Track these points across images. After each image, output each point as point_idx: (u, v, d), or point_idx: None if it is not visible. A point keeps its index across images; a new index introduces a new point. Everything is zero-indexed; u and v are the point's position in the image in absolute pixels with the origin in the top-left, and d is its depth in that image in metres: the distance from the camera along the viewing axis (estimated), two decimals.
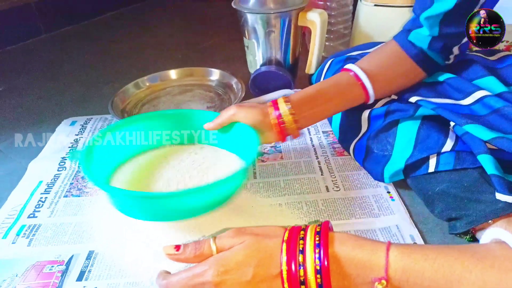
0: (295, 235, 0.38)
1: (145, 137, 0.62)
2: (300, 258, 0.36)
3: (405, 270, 0.35)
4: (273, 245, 0.38)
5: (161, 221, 0.54)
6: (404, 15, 0.60)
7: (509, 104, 0.54)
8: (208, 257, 0.39)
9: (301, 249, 0.37)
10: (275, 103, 0.57)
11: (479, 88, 0.56)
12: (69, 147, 0.76)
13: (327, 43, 1.05)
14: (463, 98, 0.57)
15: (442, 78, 0.60)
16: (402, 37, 0.59)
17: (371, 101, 0.60)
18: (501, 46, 0.92)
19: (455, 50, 0.58)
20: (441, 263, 0.34)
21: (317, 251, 0.36)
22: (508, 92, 0.56)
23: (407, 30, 0.59)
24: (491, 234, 0.37)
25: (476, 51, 0.67)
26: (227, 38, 1.24)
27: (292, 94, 0.59)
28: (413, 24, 0.58)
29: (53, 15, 1.42)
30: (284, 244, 0.37)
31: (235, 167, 0.58)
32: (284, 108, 0.56)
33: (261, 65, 0.87)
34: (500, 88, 0.56)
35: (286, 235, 0.38)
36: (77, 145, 0.76)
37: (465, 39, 0.56)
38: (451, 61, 0.60)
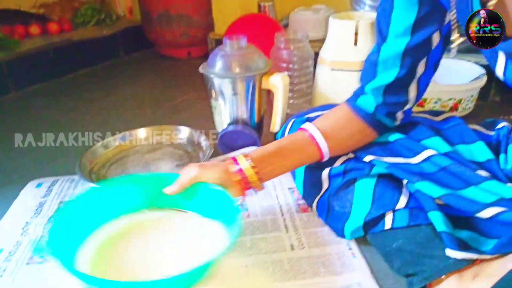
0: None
1: (110, 208, 0.60)
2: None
3: None
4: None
5: None
6: (357, 78, 0.65)
7: (455, 162, 0.59)
8: None
9: None
10: (235, 160, 0.60)
11: (426, 148, 0.62)
12: (34, 210, 0.75)
13: (291, 101, 1.10)
14: (412, 157, 0.62)
15: (392, 138, 0.65)
16: (353, 101, 0.65)
17: (325, 158, 0.64)
18: (450, 103, 1.01)
19: (399, 114, 0.64)
20: None
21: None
22: (453, 152, 0.61)
23: (356, 95, 0.65)
24: None
25: (423, 112, 0.73)
26: (197, 96, 1.28)
27: (252, 151, 0.62)
28: (361, 91, 0.64)
29: (23, 73, 1.43)
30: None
31: (211, 235, 0.57)
32: (245, 163, 0.59)
33: (228, 124, 0.90)
34: (446, 148, 0.62)
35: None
36: (42, 208, 0.75)
37: (407, 106, 0.62)
38: (398, 122, 0.66)
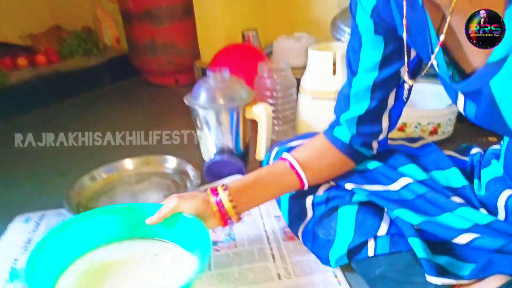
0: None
1: (89, 238, 0.61)
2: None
3: None
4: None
5: None
6: (333, 113, 0.68)
7: (431, 190, 0.61)
8: None
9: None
10: (214, 191, 0.62)
11: (403, 175, 0.64)
12: (22, 246, 0.75)
13: (276, 128, 1.13)
14: (391, 184, 0.64)
15: (371, 166, 0.67)
16: (329, 132, 0.67)
17: (305, 187, 0.66)
18: (429, 128, 1.04)
19: (374, 144, 0.67)
20: None
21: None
22: (429, 179, 0.64)
23: (331, 127, 0.67)
24: None
25: (400, 139, 0.76)
26: (184, 125, 1.30)
27: (231, 182, 0.64)
28: (336, 123, 0.66)
29: (7, 105, 1.43)
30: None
31: (188, 266, 0.57)
32: (223, 195, 0.61)
33: (215, 154, 0.92)
34: (421, 175, 0.64)
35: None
36: (30, 244, 0.76)
37: (381, 136, 0.65)
38: (374, 151, 0.68)
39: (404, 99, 0.62)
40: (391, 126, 0.65)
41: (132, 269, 0.58)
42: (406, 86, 0.57)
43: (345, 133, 0.65)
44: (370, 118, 0.62)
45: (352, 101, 0.62)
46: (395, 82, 0.59)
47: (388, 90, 0.60)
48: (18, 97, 1.47)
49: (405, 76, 0.57)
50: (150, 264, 0.59)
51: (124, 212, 0.64)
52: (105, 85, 1.74)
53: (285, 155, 0.66)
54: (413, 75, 0.58)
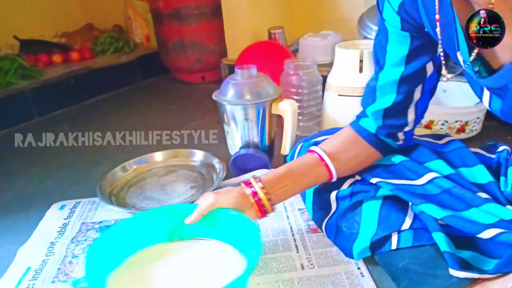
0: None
1: (137, 239, 0.61)
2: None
3: None
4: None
5: None
6: (360, 105, 0.69)
7: (457, 185, 0.61)
8: None
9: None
10: (248, 184, 0.63)
11: (430, 170, 0.64)
12: (57, 231, 0.79)
13: (302, 124, 1.14)
14: (416, 179, 0.65)
15: (396, 160, 0.68)
16: (356, 123, 0.68)
17: (334, 179, 0.67)
18: (456, 125, 1.03)
19: (400, 135, 0.67)
20: None
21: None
22: (455, 174, 0.64)
23: (358, 118, 0.68)
24: None
25: (425, 135, 0.76)
26: (211, 120, 1.33)
27: (263, 174, 0.65)
28: (363, 114, 0.67)
29: (46, 100, 1.50)
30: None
31: (236, 263, 0.57)
32: (257, 186, 0.62)
33: (240, 148, 0.94)
34: (448, 170, 0.64)
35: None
36: (66, 229, 0.80)
37: (407, 128, 0.66)
38: (400, 142, 0.69)
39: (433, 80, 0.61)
40: (417, 119, 0.65)
41: (178, 268, 0.58)
42: (444, 79, 0.57)
43: (371, 124, 0.66)
44: (396, 111, 0.63)
45: (378, 94, 0.63)
46: (421, 76, 0.60)
47: (414, 85, 0.61)
48: (53, 93, 1.53)
49: (442, 70, 0.56)
50: (195, 262, 0.59)
51: (166, 215, 0.63)
52: (136, 82, 1.80)
53: (313, 147, 0.67)
54: (439, 70, 0.59)
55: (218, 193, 0.62)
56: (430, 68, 0.59)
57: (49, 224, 0.82)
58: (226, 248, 0.61)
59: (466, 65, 0.50)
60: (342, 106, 0.96)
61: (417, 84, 0.61)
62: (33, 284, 0.65)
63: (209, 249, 0.61)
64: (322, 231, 0.73)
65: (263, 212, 0.63)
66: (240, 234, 0.59)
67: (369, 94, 0.65)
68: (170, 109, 1.52)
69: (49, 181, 1.02)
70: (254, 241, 0.55)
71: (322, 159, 0.65)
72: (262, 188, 0.62)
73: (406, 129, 0.66)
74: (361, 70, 0.93)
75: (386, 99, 0.62)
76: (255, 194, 0.62)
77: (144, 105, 1.57)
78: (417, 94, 0.62)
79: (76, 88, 1.59)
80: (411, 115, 0.64)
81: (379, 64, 0.62)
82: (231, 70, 0.93)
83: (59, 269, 0.69)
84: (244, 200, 0.62)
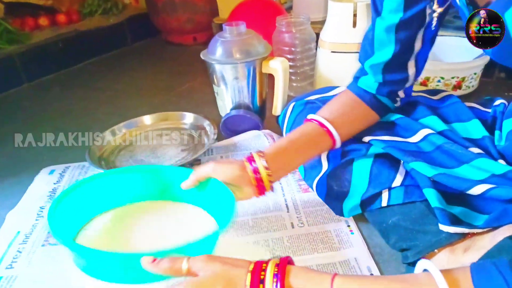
0: (258, 267, 0.43)
1: (117, 192, 0.63)
2: (261, 287, 0.41)
3: None
4: (238, 274, 0.43)
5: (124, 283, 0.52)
6: (357, 60, 0.67)
7: (449, 141, 0.60)
8: (180, 272, 0.44)
9: (261, 279, 0.42)
10: (250, 159, 0.59)
11: (424, 127, 0.63)
12: (47, 195, 0.79)
13: (294, 84, 1.11)
14: (410, 136, 0.63)
15: (392, 118, 0.66)
16: (354, 85, 0.66)
17: (337, 146, 0.64)
18: (453, 82, 1.00)
19: (401, 93, 0.65)
20: None
21: (275, 280, 0.41)
22: (448, 130, 0.62)
23: (356, 77, 0.66)
24: (421, 265, 0.41)
25: (421, 91, 0.74)
26: (201, 82, 1.30)
27: (266, 149, 0.61)
28: (361, 73, 0.65)
29: (35, 65, 1.46)
30: (249, 274, 0.42)
31: (209, 228, 0.59)
32: (259, 162, 0.58)
33: (231, 109, 0.92)
34: (441, 126, 0.63)
35: (251, 266, 0.43)
36: (55, 194, 0.79)
37: (408, 84, 0.63)
38: (398, 103, 0.67)
39: (433, 28, 0.58)
40: (417, 73, 0.63)
41: (153, 227, 0.60)
42: (435, 15, 0.54)
43: (370, 82, 0.63)
44: (396, 64, 0.60)
45: (376, 46, 0.60)
46: (419, 22, 0.57)
47: (412, 32, 0.58)
48: (41, 57, 1.49)
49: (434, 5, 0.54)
50: (172, 224, 0.61)
51: (152, 173, 0.64)
52: (125, 45, 1.75)
53: (313, 116, 0.64)
54: (440, 17, 0.56)
55: (219, 163, 0.60)
56: (429, 12, 0.56)
57: (38, 188, 0.82)
58: (201, 213, 0.62)
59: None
60: (335, 63, 0.93)
61: (416, 31, 0.58)
62: (23, 248, 0.65)
63: (184, 212, 0.63)
64: (313, 190, 0.72)
65: (261, 190, 0.60)
66: (217, 201, 0.59)
67: (367, 46, 0.62)
68: (161, 71, 1.48)
69: (39, 144, 1.01)
70: (229, 209, 0.55)
71: (324, 126, 0.62)
72: (266, 167, 0.58)
73: (407, 85, 0.64)
74: (355, 25, 0.89)
75: (385, 52, 0.59)
76: (256, 171, 0.58)
77: (134, 68, 1.54)
78: (417, 44, 0.59)
79: (64, 52, 1.55)
80: (411, 68, 0.62)
81: (376, 10, 0.59)
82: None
83: (49, 232, 0.69)
84: (243, 175, 0.58)
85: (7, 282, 0.59)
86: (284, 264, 0.43)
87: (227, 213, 0.54)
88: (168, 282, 0.49)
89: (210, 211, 0.62)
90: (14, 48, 1.44)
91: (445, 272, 0.38)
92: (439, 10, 0.53)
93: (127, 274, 0.50)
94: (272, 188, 0.60)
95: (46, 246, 0.65)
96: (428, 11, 0.56)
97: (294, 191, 0.75)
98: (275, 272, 0.42)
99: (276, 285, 0.41)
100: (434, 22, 0.57)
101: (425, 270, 0.40)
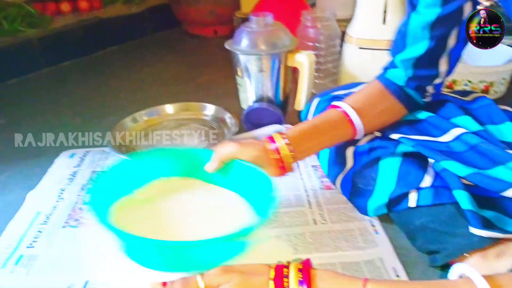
0: (280, 273, 0.41)
1: (151, 173, 0.62)
2: None
3: None
4: (260, 283, 0.40)
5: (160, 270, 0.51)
6: (385, 57, 0.65)
7: (484, 141, 0.58)
8: None
9: (285, 286, 0.39)
10: (271, 139, 0.60)
11: (457, 126, 0.61)
12: (67, 178, 0.79)
13: (317, 81, 1.10)
14: (441, 135, 0.62)
15: (422, 116, 0.65)
16: (382, 76, 0.65)
17: (359, 136, 0.64)
18: (480, 86, 0.98)
19: (430, 89, 0.63)
20: None
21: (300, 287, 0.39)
22: (483, 131, 0.60)
23: (385, 69, 0.64)
24: (457, 270, 0.40)
25: (452, 92, 0.72)
26: (221, 75, 1.29)
27: (288, 130, 0.62)
28: (391, 65, 0.63)
29: (54, 50, 1.47)
30: (271, 282, 0.40)
31: (246, 214, 0.57)
32: (281, 143, 0.59)
33: (254, 102, 0.91)
34: (476, 127, 0.61)
35: (272, 273, 0.41)
36: (75, 177, 0.79)
37: (438, 80, 0.62)
38: (428, 99, 0.65)
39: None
40: (449, 71, 0.61)
41: (185, 208, 0.58)
42: (482, 6, 0.53)
43: (400, 75, 0.62)
44: (428, 60, 0.59)
45: (409, 41, 0.59)
46: (457, 19, 0.55)
47: (448, 29, 0.56)
48: (61, 43, 1.49)
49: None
50: (206, 208, 0.59)
51: (178, 156, 0.63)
52: (146, 35, 1.74)
53: (338, 102, 0.64)
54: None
55: (241, 144, 0.59)
56: (468, 9, 0.54)
57: (58, 171, 0.81)
58: (238, 199, 0.60)
59: None
60: (362, 60, 0.91)
61: (452, 28, 0.56)
62: (44, 228, 0.65)
63: (222, 197, 0.61)
64: (337, 188, 0.71)
65: (282, 170, 0.60)
66: (255, 188, 0.57)
67: (400, 40, 0.61)
68: (180, 62, 1.48)
69: (58, 130, 1.01)
70: (269, 197, 0.53)
71: (347, 115, 0.62)
72: (288, 144, 0.58)
73: (437, 81, 0.62)
74: (384, 21, 0.87)
75: (418, 46, 0.58)
76: (277, 150, 0.59)
77: (154, 58, 1.53)
78: (451, 41, 0.58)
79: (84, 39, 1.54)
80: (443, 66, 0.60)
81: (412, 5, 0.57)
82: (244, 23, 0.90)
83: (69, 214, 0.68)
84: (265, 155, 0.59)
85: (28, 261, 0.59)
86: (307, 268, 0.41)
87: (268, 200, 0.52)
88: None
89: (244, 195, 0.60)
90: (35, 32, 1.44)
91: (488, 278, 0.36)
92: (487, 3, 0.52)
93: (161, 261, 0.50)
94: (292, 169, 0.60)
95: (67, 228, 0.65)
96: (466, 7, 0.54)
97: (316, 187, 0.74)
98: (300, 279, 0.40)
99: None
100: None
101: (461, 275, 0.39)
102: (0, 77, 1.32)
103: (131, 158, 0.63)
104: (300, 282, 0.39)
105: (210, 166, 0.60)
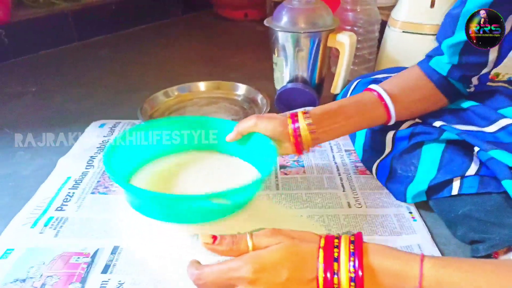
0: (330, 243, 0.39)
1: (166, 139, 0.66)
2: (335, 266, 0.37)
3: (439, 282, 0.35)
4: (309, 250, 0.38)
5: (178, 222, 0.56)
6: (430, 43, 0.62)
7: None
8: (243, 252, 0.40)
9: (335, 257, 0.37)
10: (294, 116, 0.59)
11: (504, 117, 0.58)
12: (97, 147, 0.78)
13: (352, 67, 1.07)
14: (487, 126, 0.58)
15: (466, 105, 0.61)
16: (425, 62, 0.61)
17: (391, 122, 0.61)
18: None
19: (474, 80, 0.60)
20: (475, 276, 0.35)
21: (352, 259, 0.37)
22: None
23: (429, 56, 0.61)
24: None
25: (501, 81, 0.68)
26: (252, 57, 1.27)
27: (313, 109, 0.60)
28: (435, 52, 0.60)
29: (87, 24, 1.47)
30: (321, 251, 0.38)
31: (252, 177, 0.61)
32: (302, 122, 0.57)
33: (288, 82, 0.89)
34: None
35: (322, 242, 0.39)
36: (105, 146, 0.79)
37: (485, 70, 0.58)
38: (472, 89, 0.62)
39: None
40: (499, 60, 0.57)
41: (199, 175, 0.63)
42: None
43: (443, 63, 0.58)
44: None
45: (460, 24, 0.55)
46: None
47: (506, 13, 0.52)
48: (93, 17, 1.49)
49: None
50: (217, 173, 0.64)
51: (199, 123, 0.67)
52: (177, 15, 1.73)
53: (372, 85, 0.61)
54: None
55: (261, 117, 0.60)
56: None
57: (89, 139, 0.81)
58: (245, 165, 0.65)
59: None
60: (406, 44, 0.87)
61: (508, 13, 0.53)
62: (73, 193, 0.65)
63: (229, 162, 0.66)
64: (372, 173, 0.69)
65: (299, 149, 0.59)
66: (260, 154, 0.61)
67: (449, 24, 0.57)
68: (211, 43, 1.47)
69: (89, 100, 1.01)
70: (270, 159, 0.57)
71: (382, 99, 0.59)
72: (310, 124, 0.57)
73: (483, 71, 0.58)
74: (433, 5, 0.83)
75: None
76: (296, 130, 0.57)
77: (184, 38, 1.52)
78: (507, 26, 0.54)
79: (117, 15, 1.54)
80: (493, 53, 0.56)
81: None
82: (277, 7, 0.87)
83: (98, 181, 0.68)
84: (283, 131, 0.58)
85: (57, 223, 0.58)
86: (360, 240, 0.39)
87: (268, 162, 0.56)
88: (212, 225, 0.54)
89: (254, 163, 0.64)
90: (69, 5, 1.45)
91: None
92: None
93: (173, 214, 0.54)
94: (309, 150, 0.60)
95: (96, 194, 0.65)
96: None
97: (350, 172, 0.71)
98: (352, 250, 0.38)
99: (354, 265, 0.37)
100: None
101: None
102: (34, 47, 1.33)
103: (146, 124, 0.66)
104: (351, 254, 0.37)
105: (229, 137, 0.62)
